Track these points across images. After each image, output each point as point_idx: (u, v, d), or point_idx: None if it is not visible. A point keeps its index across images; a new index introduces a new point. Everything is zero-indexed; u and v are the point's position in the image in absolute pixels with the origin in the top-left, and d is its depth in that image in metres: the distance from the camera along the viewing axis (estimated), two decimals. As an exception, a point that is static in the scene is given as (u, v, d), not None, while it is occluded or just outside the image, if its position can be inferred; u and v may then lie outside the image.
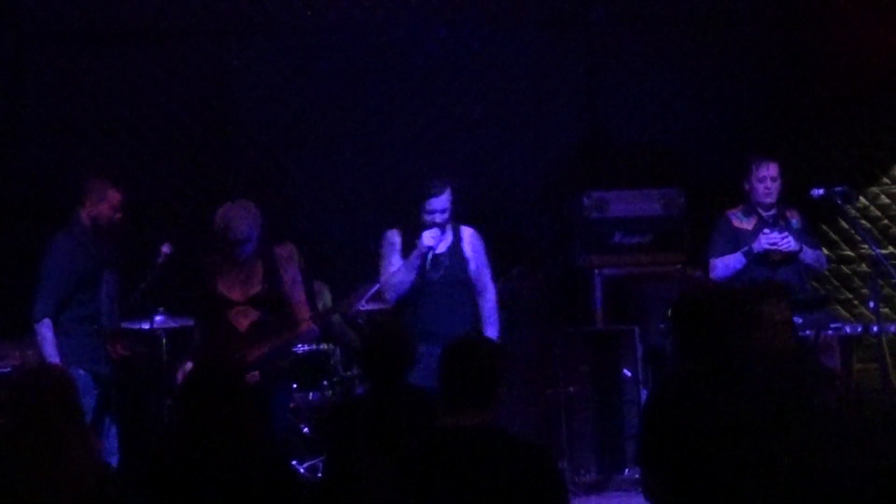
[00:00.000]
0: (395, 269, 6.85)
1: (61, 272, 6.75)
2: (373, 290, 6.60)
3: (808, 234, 7.86)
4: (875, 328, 7.01)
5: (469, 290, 7.01)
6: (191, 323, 6.93)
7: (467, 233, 7.09)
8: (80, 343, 6.76)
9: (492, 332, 6.95)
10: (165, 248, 7.04)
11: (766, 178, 7.62)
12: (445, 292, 6.89)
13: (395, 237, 7.02)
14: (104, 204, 6.92)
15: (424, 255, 6.84)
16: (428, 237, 6.84)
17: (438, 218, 6.90)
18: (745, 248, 7.57)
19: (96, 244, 6.89)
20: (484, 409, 4.23)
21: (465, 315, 6.93)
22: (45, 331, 6.71)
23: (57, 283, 6.74)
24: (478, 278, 7.04)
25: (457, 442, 4.19)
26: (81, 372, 6.56)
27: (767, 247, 7.51)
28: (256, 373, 6.23)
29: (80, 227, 6.89)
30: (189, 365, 6.55)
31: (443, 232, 6.93)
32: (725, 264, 7.63)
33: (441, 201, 6.91)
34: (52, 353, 6.65)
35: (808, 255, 7.66)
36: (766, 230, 7.56)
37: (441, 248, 6.95)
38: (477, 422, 4.21)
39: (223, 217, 6.45)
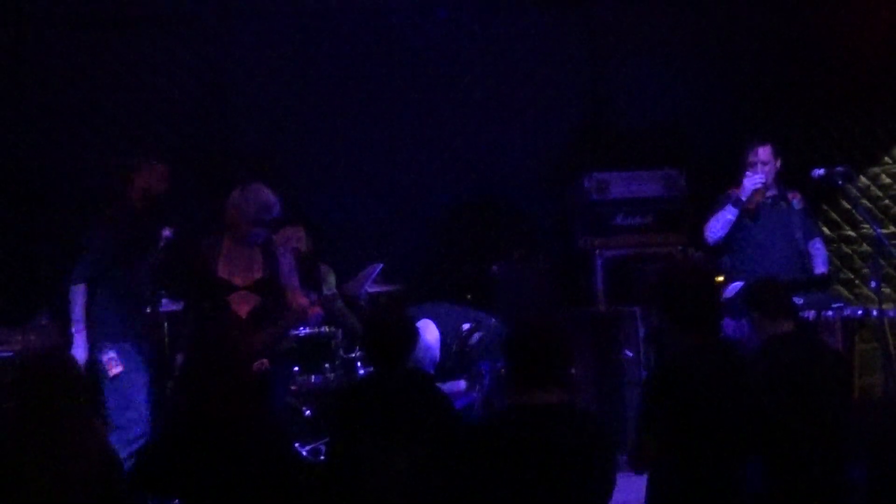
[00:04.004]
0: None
1: (102, 249, 6.74)
2: (377, 272, 6.57)
3: (809, 217, 7.87)
4: (875, 311, 7.01)
5: None
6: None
7: None
8: (124, 318, 6.76)
9: None
10: (167, 233, 7.03)
11: (757, 163, 7.65)
12: None
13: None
14: (155, 177, 6.93)
15: None
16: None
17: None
18: (734, 199, 7.60)
19: (141, 223, 6.86)
20: (561, 386, 4.34)
21: None
22: (77, 296, 6.71)
23: (96, 257, 6.74)
24: None
25: (532, 419, 4.28)
26: (127, 346, 6.60)
27: (752, 187, 7.54)
28: (265, 361, 6.24)
29: (128, 208, 6.88)
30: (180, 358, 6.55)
31: None
32: (716, 218, 7.67)
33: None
34: (78, 317, 6.67)
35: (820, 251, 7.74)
36: (749, 173, 7.59)
37: None
38: (556, 399, 4.33)
39: (262, 198, 6.45)
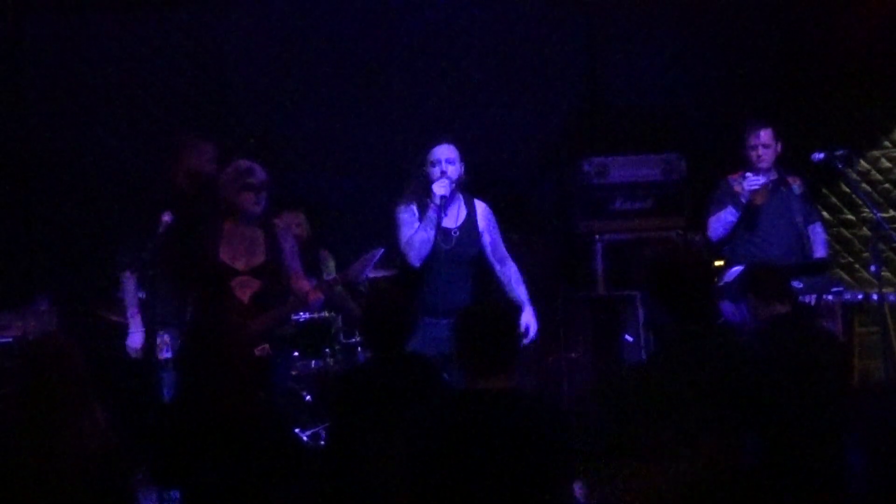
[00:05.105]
0: (414, 230, 6.62)
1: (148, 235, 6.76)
2: (377, 257, 6.53)
3: (809, 202, 7.88)
4: (875, 295, 7.02)
5: (475, 266, 6.80)
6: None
7: (481, 207, 6.85)
8: (175, 303, 6.78)
9: (523, 294, 6.73)
10: (166, 217, 6.99)
11: (758, 146, 7.64)
12: (451, 267, 6.64)
13: (410, 206, 6.72)
14: (201, 158, 6.93)
15: (440, 207, 6.56)
16: (438, 186, 6.56)
17: (445, 167, 6.63)
18: (734, 200, 7.59)
19: (190, 206, 6.86)
20: (505, 372, 4.36)
21: (466, 292, 6.65)
22: (128, 282, 6.90)
23: (143, 243, 6.75)
24: (495, 249, 6.81)
25: (480, 405, 4.30)
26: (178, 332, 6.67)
27: (750, 189, 7.53)
28: (266, 346, 6.23)
29: (175, 192, 6.88)
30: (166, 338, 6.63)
31: (452, 183, 6.63)
32: (719, 218, 7.67)
33: (445, 150, 6.67)
34: (131, 303, 6.86)
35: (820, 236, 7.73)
36: (749, 174, 7.58)
37: (454, 223, 6.70)
38: (499, 385, 4.34)
39: (239, 165, 6.45)
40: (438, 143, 6.73)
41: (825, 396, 5.44)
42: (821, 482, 5.30)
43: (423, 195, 6.66)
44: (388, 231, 6.85)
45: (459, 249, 6.68)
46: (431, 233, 6.56)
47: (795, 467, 5.27)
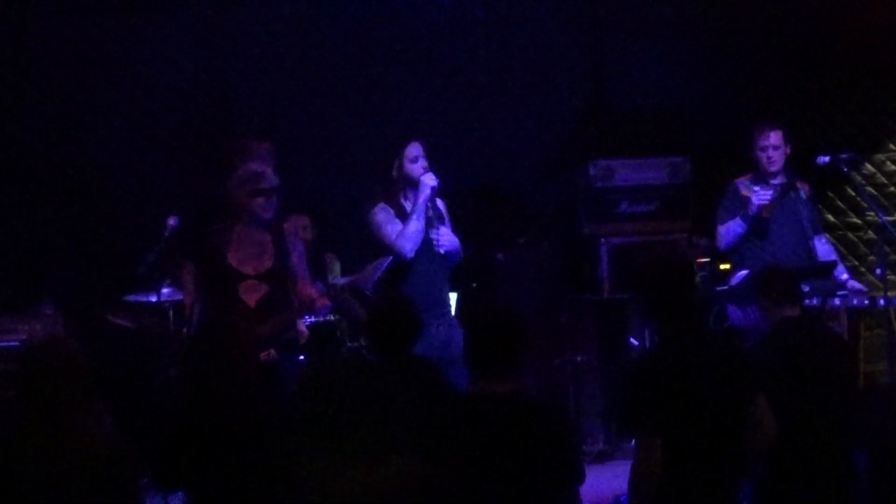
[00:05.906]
0: (402, 225, 6.65)
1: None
2: (386, 264, 6.53)
3: (816, 209, 7.85)
4: (882, 301, 7.01)
5: (449, 261, 6.89)
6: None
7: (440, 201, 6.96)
8: None
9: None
10: (172, 221, 7.00)
11: (768, 148, 7.59)
12: (432, 260, 6.71)
13: (382, 205, 6.77)
14: (259, 157, 6.93)
15: (431, 197, 6.66)
16: (429, 178, 6.65)
17: (424, 162, 6.74)
18: (742, 212, 7.55)
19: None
20: (514, 376, 4.39)
21: (447, 287, 6.83)
22: (187, 274, 6.92)
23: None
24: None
25: (490, 408, 4.32)
26: None
27: (759, 203, 7.50)
28: (272, 351, 6.22)
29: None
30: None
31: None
32: (727, 229, 7.64)
33: (419, 147, 6.78)
34: (190, 292, 6.85)
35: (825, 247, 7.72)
36: (756, 188, 7.55)
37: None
38: (508, 389, 4.36)
39: (249, 169, 6.43)
40: (410, 140, 6.84)
41: (831, 399, 5.44)
42: (826, 483, 5.30)
43: (394, 194, 6.74)
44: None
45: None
46: (423, 223, 6.64)
47: (800, 468, 5.27)
